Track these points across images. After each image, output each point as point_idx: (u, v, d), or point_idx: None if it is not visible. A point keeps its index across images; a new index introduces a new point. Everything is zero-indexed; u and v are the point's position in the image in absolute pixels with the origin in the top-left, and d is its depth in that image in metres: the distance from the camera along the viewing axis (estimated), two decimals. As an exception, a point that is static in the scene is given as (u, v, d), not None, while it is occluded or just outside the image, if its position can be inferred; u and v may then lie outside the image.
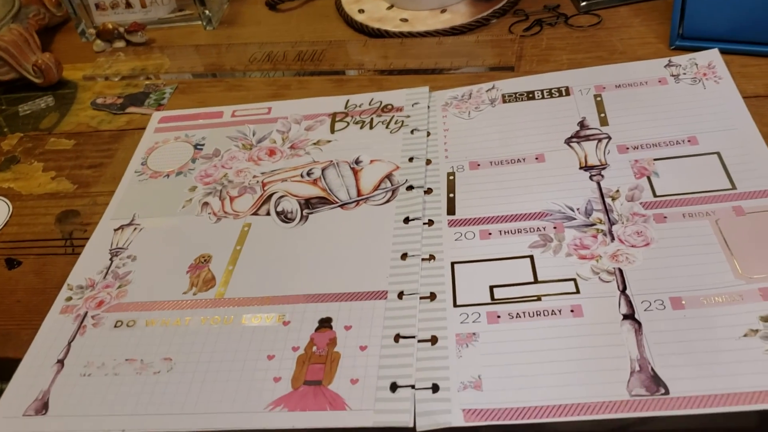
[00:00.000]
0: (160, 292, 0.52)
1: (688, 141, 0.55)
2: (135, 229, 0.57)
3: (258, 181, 0.59)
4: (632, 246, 0.48)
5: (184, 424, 0.43)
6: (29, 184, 0.65)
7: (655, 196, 0.51)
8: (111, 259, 0.55)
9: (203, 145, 0.65)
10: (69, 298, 0.52)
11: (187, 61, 0.77)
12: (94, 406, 0.45)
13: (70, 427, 0.44)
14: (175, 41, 0.82)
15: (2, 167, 0.68)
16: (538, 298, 0.46)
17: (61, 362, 0.48)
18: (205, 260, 0.53)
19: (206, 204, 0.58)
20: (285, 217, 0.56)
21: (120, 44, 0.82)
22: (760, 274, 0.44)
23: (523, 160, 0.56)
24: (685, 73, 0.60)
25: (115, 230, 0.58)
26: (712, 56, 0.61)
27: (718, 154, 0.53)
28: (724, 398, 0.39)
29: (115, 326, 0.50)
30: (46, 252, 0.58)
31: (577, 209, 0.51)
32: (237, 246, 0.54)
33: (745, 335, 0.41)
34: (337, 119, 0.64)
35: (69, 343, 0.49)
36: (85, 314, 0.51)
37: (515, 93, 0.63)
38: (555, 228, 0.50)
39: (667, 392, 0.39)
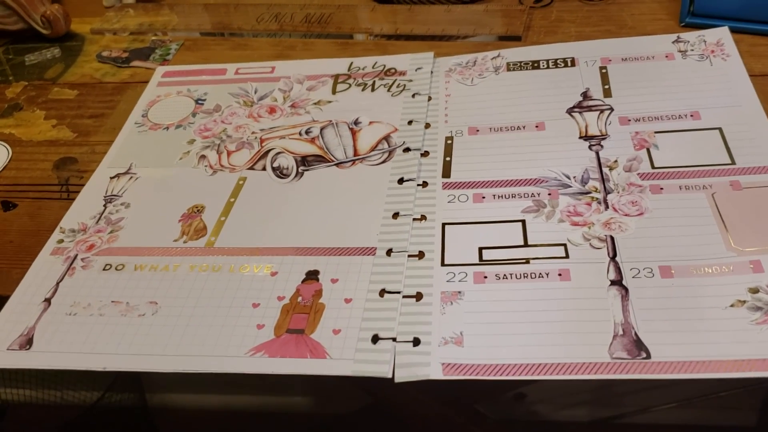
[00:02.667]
0: (150, 238, 0.52)
1: (691, 116, 0.54)
2: (131, 177, 0.57)
3: (256, 137, 0.59)
4: (626, 215, 0.47)
5: (163, 365, 0.43)
6: (30, 130, 0.65)
7: (653, 167, 0.50)
8: (105, 206, 0.55)
9: (205, 100, 0.64)
10: (61, 241, 0.53)
11: (194, 19, 0.77)
12: (77, 344, 0.45)
13: (51, 362, 0.44)
14: (184, -1, 0.82)
15: (5, 114, 0.68)
16: (527, 261, 0.46)
17: (48, 301, 0.48)
18: (198, 210, 0.53)
19: (203, 157, 0.58)
20: (280, 172, 0.56)
21: (130, 0, 0.82)
22: (752, 247, 0.44)
23: (523, 127, 0.56)
24: (692, 50, 0.60)
25: (111, 178, 0.58)
26: (722, 34, 0.60)
27: (720, 129, 0.52)
28: (705, 365, 0.38)
29: (104, 269, 0.50)
30: (42, 196, 0.58)
31: (574, 177, 0.51)
32: (231, 198, 0.54)
33: (732, 305, 0.41)
34: (339, 80, 0.64)
35: (57, 284, 0.49)
36: (75, 256, 0.51)
37: (520, 62, 0.62)
38: (550, 194, 0.50)
39: (648, 356, 0.39)
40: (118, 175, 0.58)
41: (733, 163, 0.50)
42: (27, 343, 0.46)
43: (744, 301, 0.41)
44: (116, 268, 0.50)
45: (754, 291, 0.41)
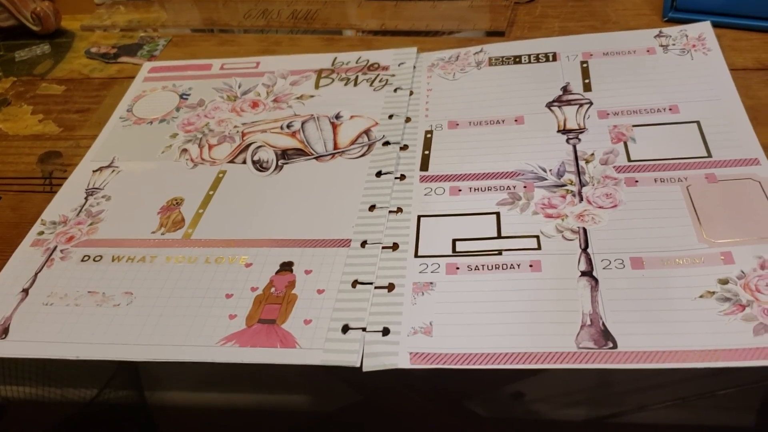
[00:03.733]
0: (129, 230, 0.52)
1: (670, 109, 0.54)
2: (113, 171, 0.58)
3: (238, 131, 0.59)
4: (599, 207, 0.47)
5: (135, 354, 0.43)
6: (17, 125, 0.66)
7: (629, 160, 0.50)
8: (86, 198, 0.55)
9: (189, 95, 0.65)
10: (41, 233, 0.53)
11: (183, 15, 0.77)
12: (52, 333, 0.45)
13: (26, 351, 0.45)
14: (174, -4, 0.82)
15: (-7, 109, 0.68)
16: (499, 253, 0.46)
17: (25, 291, 0.48)
18: (177, 203, 0.54)
19: (185, 150, 0.59)
20: (260, 166, 0.56)
21: (120, -3, 0.83)
22: (724, 239, 0.44)
23: (502, 121, 0.56)
24: (674, 44, 0.60)
25: (94, 171, 0.58)
26: (703, 28, 0.60)
27: (698, 123, 0.52)
28: (671, 355, 0.38)
29: (82, 260, 0.50)
30: (25, 189, 0.58)
31: (550, 170, 0.51)
32: (210, 191, 0.54)
33: (701, 296, 0.41)
34: (322, 75, 0.64)
35: (35, 274, 0.50)
36: (55, 248, 0.51)
37: (502, 57, 0.62)
38: (525, 187, 0.50)
39: (615, 346, 0.39)
40: (100, 169, 0.58)
41: (710, 156, 0.49)
42: (3, 332, 0.46)
43: (713, 292, 0.41)
44: (94, 260, 0.50)
45: (724, 282, 0.41)
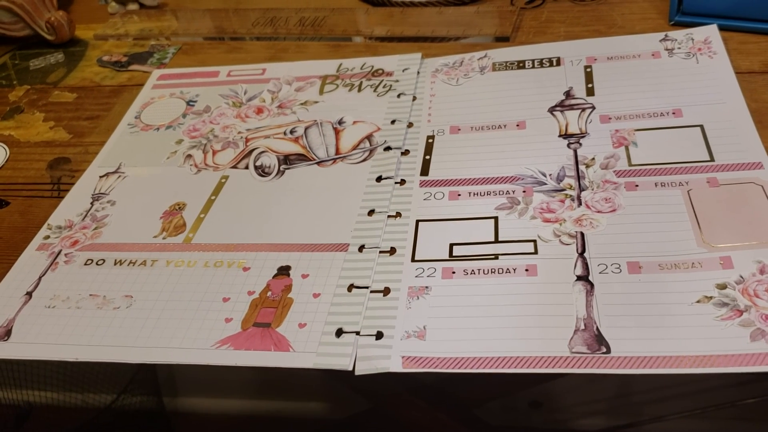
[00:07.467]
0: (132, 235, 0.53)
1: (673, 113, 0.53)
2: (119, 176, 0.59)
3: (242, 137, 0.60)
4: (598, 211, 0.47)
5: (132, 356, 0.44)
6: (28, 132, 0.67)
7: (630, 165, 0.50)
8: (92, 203, 0.56)
9: (196, 101, 0.66)
10: (47, 237, 0.54)
11: (193, 24, 0.78)
12: (53, 335, 0.46)
13: (27, 353, 0.46)
14: (186, 4, 0.83)
15: (6, 116, 0.70)
16: (495, 257, 0.45)
17: (29, 294, 0.49)
18: (179, 208, 0.54)
19: (189, 156, 0.59)
20: (262, 171, 0.56)
21: (133, 6, 0.84)
22: (723, 243, 0.43)
23: (504, 126, 0.56)
24: (679, 48, 0.59)
25: (101, 177, 0.59)
26: (710, 32, 0.60)
27: (701, 126, 0.52)
28: (665, 360, 0.38)
29: (85, 264, 0.51)
30: (34, 195, 0.59)
31: (549, 175, 0.51)
32: (212, 196, 0.55)
33: (698, 301, 0.40)
34: (327, 81, 0.64)
35: (40, 278, 0.50)
36: (59, 252, 0.52)
37: (506, 62, 0.62)
38: (524, 192, 0.50)
39: (608, 351, 0.39)
40: (107, 174, 0.59)
41: (712, 160, 0.49)
42: (5, 334, 0.47)
43: (711, 297, 0.40)
44: (97, 263, 0.51)
45: (722, 287, 0.41)
